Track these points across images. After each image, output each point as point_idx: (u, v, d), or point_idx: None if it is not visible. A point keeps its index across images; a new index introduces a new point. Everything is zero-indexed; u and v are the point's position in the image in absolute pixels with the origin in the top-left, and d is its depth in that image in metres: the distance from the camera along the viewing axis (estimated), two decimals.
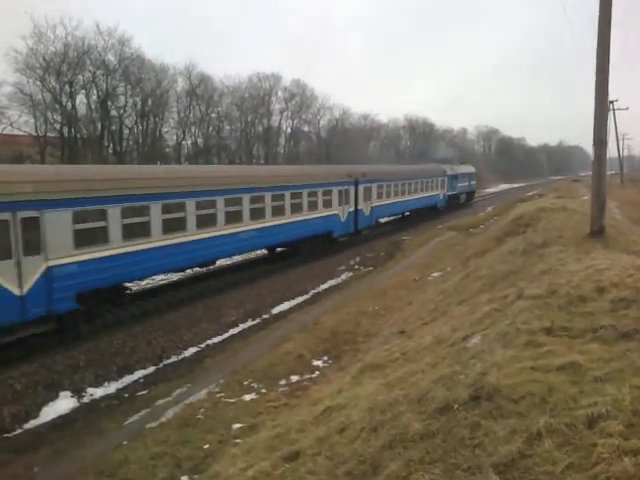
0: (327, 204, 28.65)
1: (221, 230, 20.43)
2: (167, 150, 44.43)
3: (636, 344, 5.44)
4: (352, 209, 31.39)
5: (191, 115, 45.38)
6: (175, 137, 44.94)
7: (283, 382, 11.69)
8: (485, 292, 11.39)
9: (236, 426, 9.44)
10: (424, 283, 19.69)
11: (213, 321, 17.48)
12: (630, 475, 3.23)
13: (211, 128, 47.55)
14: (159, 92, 41.66)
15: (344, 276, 25.19)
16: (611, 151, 52.84)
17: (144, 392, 12.31)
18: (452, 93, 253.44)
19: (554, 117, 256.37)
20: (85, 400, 12.15)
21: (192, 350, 15.20)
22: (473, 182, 60.80)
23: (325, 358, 13.14)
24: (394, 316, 15.44)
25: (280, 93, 57.75)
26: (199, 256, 19.63)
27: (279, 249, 27.54)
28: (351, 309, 17.32)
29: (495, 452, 4.04)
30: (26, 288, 13.16)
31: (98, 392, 12.51)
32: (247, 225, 22.05)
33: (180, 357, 14.74)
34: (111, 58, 37.97)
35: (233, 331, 16.92)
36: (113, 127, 38.96)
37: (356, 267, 27.19)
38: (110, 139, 39.19)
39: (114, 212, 15.69)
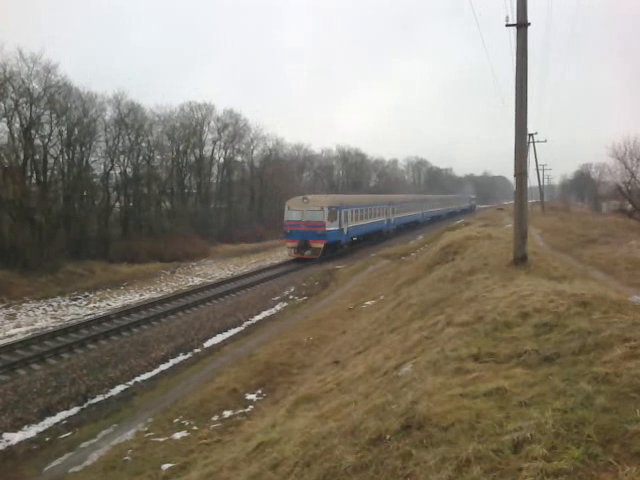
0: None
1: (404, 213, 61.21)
2: (94, 180, 42.96)
3: (557, 368, 5.63)
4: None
5: (120, 144, 44.21)
6: (103, 166, 43.59)
7: (216, 418, 11.38)
8: (416, 320, 11.57)
9: (166, 466, 9.06)
10: (358, 312, 19.84)
11: (142, 357, 16.88)
12: None
13: (141, 157, 46.44)
14: (86, 121, 40.48)
15: (278, 306, 25.04)
16: (532, 181, 55.80)
17: (67, 434, 11.68)
18: (383, 125, 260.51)
19: (479, 149, 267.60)
20: (0, 447, 11.35)
21: (119, 388, 14.60)
22: (475, 202, 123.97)
23: (259, 391, 12.92)
24: (328, 346, 15.42)
25: (213, 123, 57.41)
26: (407, 222, 62.99)
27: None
28: (285, 340, 17.19)
29: None
30: (345, 230, 40.90)
31: (16, 437, 11.75)
32: (411, 212, 65.10)
33: (107, 396, 14.12)
34: (35, 86, 36.71)
35: (163, 367, 16.40)
36: (37, 156, 37.41)
37: (291, 297, 27.11)
38: (34, 168, 37.54)
39: (363, 211, 46.47)
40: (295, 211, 38.86)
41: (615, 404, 4.33)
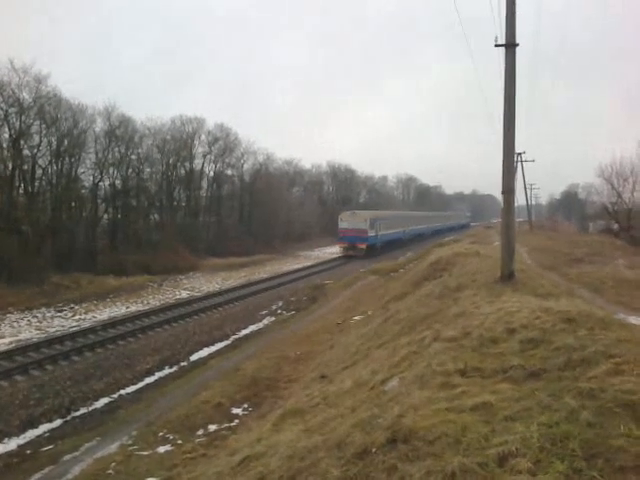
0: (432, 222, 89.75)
1: (417, 226, 75.68)
2: (83, 191, 42.69)
3: (543, 383, 5.66)
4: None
5: (110, 156, 43.98)
6: (92, 178, 43.29)
7: (201, 432, 11.26)
8: (404, 335, 11.57)
9: None
10: (346, 327, 19.79)
11: (127, 370, 16.71)
12: None
13: (130, 170, 46.21)
14: (76, 132, 40.29)
15: (266, 320, 24.94)
16: (520, 200, 56.26)
17: (49, 447, 11.50)
18: (373, 142, 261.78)
19: (469, 167, 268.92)
20: None
21: (104, 401, 14.43)
22: (470, 219, 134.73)
23: (245, 405, 12.81)
24: (316, 360, 15.36)
25: (203, 136, 57.22)
26: (419, 233, 75.65)
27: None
28: (273, 354, 17.10)
29: None
30: (378, 236, 55.83)
31: None
32: (422, 225, 79.43)
33: (90, 409, 13.94)
34: (26, 96, 36.52)
35: (149, 380, 16.24)
36: (25, 167, 37.14)
37: (279, 311, 27.01)
38: (21, 179, 37.25)
39: (389, 223, 60.85)
40: (346, 222, 54.01)
41: (600, 419, 4.35)
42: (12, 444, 11.83)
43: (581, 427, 4.24)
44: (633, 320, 10.14)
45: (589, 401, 4.74)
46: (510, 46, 14.18)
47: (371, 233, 53.67)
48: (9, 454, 11.37)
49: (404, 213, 78.75)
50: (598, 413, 4.46)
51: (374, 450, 4.95)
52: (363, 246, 52.59)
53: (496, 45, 14.43)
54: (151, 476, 9.11)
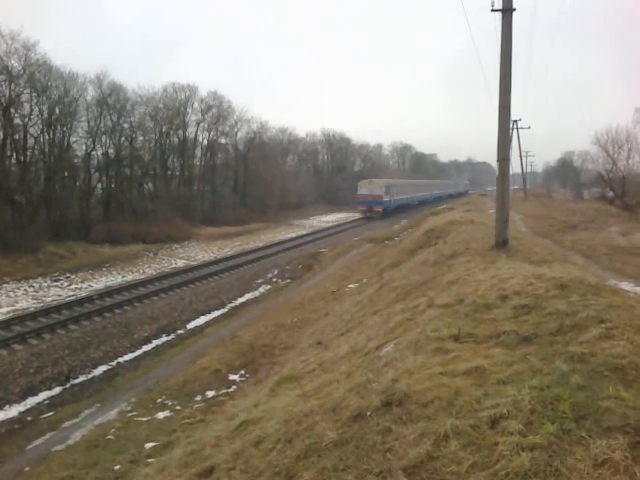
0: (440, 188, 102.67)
1: (423, 192, 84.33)
2: (76, 161, 42.20)
3: (535, 348, 5.75)
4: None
5: (102, 125, 43.36)
6: (84, 147, 42.75)
7: (199, 398, 11.43)
8: (399, 302, 11.68)
9: (149, 445, 9.12)
10: (341, 295, 19.92)
11: (124, 338, 16.85)
12: (526, 469, 3.42)
13: (123, 138, 45.62)
14: (67, 100, 39.66)
15: (262, 289, 25.07)
16: (515, 167, 56.24)
17: (49, 414, 11.67)
18: (368, 110, 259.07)
19: (464, 135, 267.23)
20: None
21: (102, 369, 14.59)
22: (469, 187, 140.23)
23: (242, 372, 12.99)
24: (311, 328, 15.51)
25: (196, 104, 56.46)
26: (424, 199, 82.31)
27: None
28: (269, 322, 17.25)
29: (405, 455, 4.13)
30: (392, 201, 63.26)
31: None
32: (427, 192, 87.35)
33: (89, 376, 14.11)
34: (15, 63, 35.85)
35: (146, 348, 16.40)
36: (16, 136, 36.63)
37: (274, 280, 27.14)
38: (13, 148, 36.77)
39: (400, 189, 68.73)
40: (365, 188, 61.88)
41: (589, 382, 4.44)
42: (13, 411, 12.01)
43: (571, 390, 4.32)
44: (624, 286, 10.26)
45: (580, 365, 4.82)
46: (507, 11, 13.96)
47: (386, 198, 61.26)
48: (10, 420, 11.56)
49: (413, 181, 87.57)
50: (588, 376, 4.55)
51: (369, 413, 5.04)
52: (380, 209, 60.43)
53: (492, 10, 14.21)
54: (151, 441, 9.28)
